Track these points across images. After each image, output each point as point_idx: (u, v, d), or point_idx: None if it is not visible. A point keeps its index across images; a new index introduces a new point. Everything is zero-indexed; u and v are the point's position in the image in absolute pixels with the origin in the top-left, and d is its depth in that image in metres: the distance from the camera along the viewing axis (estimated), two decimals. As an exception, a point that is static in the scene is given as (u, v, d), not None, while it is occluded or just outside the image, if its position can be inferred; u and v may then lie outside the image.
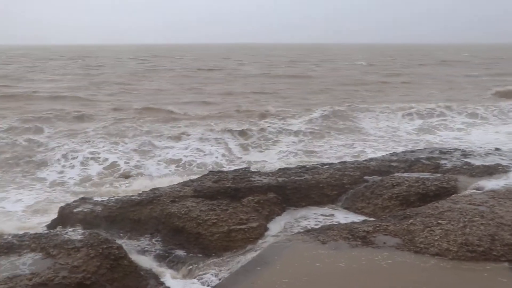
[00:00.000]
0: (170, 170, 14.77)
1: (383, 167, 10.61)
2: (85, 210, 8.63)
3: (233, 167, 13.40)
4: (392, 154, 12.42)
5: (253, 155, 16.93)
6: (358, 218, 8.34)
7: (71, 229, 7.28)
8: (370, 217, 8.32)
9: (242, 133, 18.94)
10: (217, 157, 16.06)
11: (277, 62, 76.15)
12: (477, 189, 8.89)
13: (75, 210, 8.63)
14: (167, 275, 6.73)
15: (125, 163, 15.04)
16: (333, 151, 17.11)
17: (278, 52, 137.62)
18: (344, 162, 11.53)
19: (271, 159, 16.02)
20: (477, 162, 10.81)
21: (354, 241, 6.52)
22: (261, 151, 17.44)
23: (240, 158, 16.42)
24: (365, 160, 11.98)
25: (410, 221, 6.95)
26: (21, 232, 7.15)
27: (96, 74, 50.45)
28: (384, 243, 6.42)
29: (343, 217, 8.54)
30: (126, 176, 14.06)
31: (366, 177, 9.96)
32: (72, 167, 14.51)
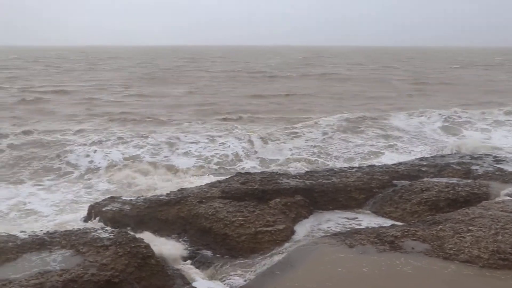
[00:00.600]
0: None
1: (412, 172, 10.49)
2: (114, 208, 8.74)
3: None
4: (421, 159, 12.27)
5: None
6: (386, 222, 8.25)
7: (100, 227, 7.39)
8: (398, 222, 8.23)
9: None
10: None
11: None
12: (510, 195, 8.70)
13: (104, 209, 8.75)
14: (194, 275, 6.76)
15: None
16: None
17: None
18: (373, 166, 11.43)
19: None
20: (510, 168, 10.59)
21: (381, 245, 6.45)
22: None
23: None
24: (394, 164, 11.85)
25: (440, 226, 6.84)
26: (52, 229, 7.28)
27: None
28: (413, 248, 6.33)
29: (370, 221, 8.47)
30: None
31: (394, 182, 9.86)
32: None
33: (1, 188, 12.50)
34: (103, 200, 9.35)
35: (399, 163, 11.75)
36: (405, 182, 9.70)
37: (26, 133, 18.65)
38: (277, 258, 6.80)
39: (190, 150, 16.10)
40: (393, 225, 7.59)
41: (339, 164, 14.37)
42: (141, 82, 43.59)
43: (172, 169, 14.31)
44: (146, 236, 7.37)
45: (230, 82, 44.37)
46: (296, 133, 18.55)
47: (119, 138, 17.20)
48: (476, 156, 11.91)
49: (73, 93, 34.31)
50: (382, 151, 16.47)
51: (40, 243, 6.52)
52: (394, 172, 10.43)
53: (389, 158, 14.97)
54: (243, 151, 16.13)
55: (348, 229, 7.89)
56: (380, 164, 12.47)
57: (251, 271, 6.72)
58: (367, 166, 11.54)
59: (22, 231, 7.07)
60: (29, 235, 6.80)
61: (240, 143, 16.84)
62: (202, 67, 67.22)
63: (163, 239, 7.86)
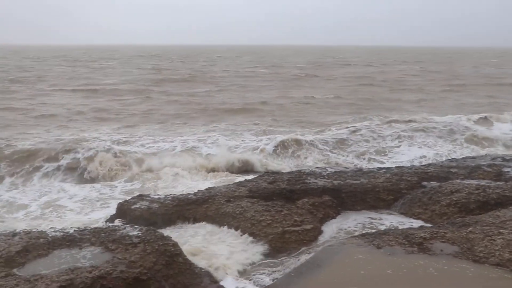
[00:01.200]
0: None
1: (442, 173, 10.33)
2: (142, 207, 8.84)
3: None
4: (451, 160, 12.09)
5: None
6: (414, 224, 8.16)
7: (129, 225, 7.48)
8: (427, 224, 8.12)
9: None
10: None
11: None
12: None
13: (132, 207, 8.86)
14: (221, 274, 6.79)
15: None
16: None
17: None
18: (401, 167, 11.31)
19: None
20: (543, 170, 10.34)
21: (410, 247, 6.37)
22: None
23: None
24: (423, 165, 11.71)
25: (469, 229, 6.72)
26: (82, 226, 7.41)
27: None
28: (441, 250, 6.24)
29: (399, 222, 8.38)
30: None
31: (423, 183, 9.73)
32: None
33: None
34: (131, 198, 9.47)
35: (428, 164, 11.61)
36: (434, 184, 9.56)
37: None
38: (304, 258, 6.78)
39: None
40: (421, 227, 7.49)
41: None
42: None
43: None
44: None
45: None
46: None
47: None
48: (508, 158, 11.66)
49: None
50: None
51: (71, 240, 6.63)
52: (423, 173, 10.29)
53: None
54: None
55: (376, 230, 7.82)
56: (410, 165, 12.34)
57: (278, 271, 6.73)
58: (395, 167, 11.42)
59: (52, 228, 7.21)
60: (59, 232, 6.92)
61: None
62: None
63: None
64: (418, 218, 8.56)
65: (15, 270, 5.79)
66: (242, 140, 18.17)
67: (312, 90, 37.64)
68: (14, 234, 6.72)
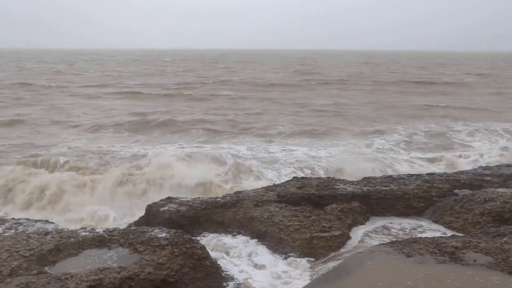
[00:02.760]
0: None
1: (475, 181, 10.12)
2: (171, 209, 8.89)
3: None
4: (485, 168, 11.82)
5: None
6: (445, 232, 8.01)
7: (157, 227, 7.54)
8: (459, 233, 7.95)
9: None
10: None
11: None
12: None
13: (161, 209, 8.92)
14: (248, 278, 6.77)
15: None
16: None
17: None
18: (432, 174, 11.12)
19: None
20: None
21: (441, 256, 6.23)
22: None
23: None
24: (455, 172, 11.48)
25: (504, 239, 6.54)
26: (111, 227, 7.49)
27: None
28: (475, 260, 6.08)
29: (429, 230, 8.23)
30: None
31: (455, 191, 9.54)
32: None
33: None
34: (160, 200, 9.53)
35: (461, 172, 11.38)
36: (466, 192, 9.37)
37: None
38: (332, 264, 6.72)
39: None
40: (453, 236, 7.33)
41: None
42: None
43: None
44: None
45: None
46: None
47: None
48: (545, 166, 11.36)
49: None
50: None
51: (100, 240, 6.72)
52: (455, 181, 10.10)
53: None
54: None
55: (406, 237, 7.70)
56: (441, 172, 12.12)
57: (306, 277, 6.67)
58: (426, 174, 11.23)
59: (83, 228, 7.32)
60: (89, 232, 7.02)
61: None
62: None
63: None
64: (449, 227, 8.39)
65: (46, 268, 5.89)
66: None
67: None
68: (46, 233, 6.85)
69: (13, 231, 7.10)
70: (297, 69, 74.18)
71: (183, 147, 18.21)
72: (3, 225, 7.42)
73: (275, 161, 16.10)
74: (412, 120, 25.68)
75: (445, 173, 11.63)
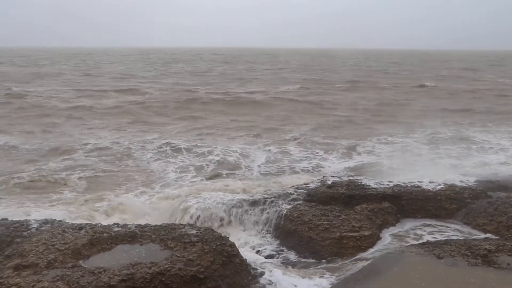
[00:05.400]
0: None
1: (510, 183, 9.92)
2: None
3: None
4: (520, 170, 11.56)
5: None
6: (478, 235, 7.88)
7: (187, 224, 7.63)
8: (493, 235, 7.81)
9: None
10: None
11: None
12: None
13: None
14: (277, 276, 6.79)
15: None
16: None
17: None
18: (465, 175, 10.92)
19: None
20: None
21: (473, 259, 6.15)
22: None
23: None
24: (489, 174, 11.27)
25: (541, 243, 6.41)
26: (143, 223, 7.61)
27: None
28: (508, 264, 5.98)
29: (461, 232, 8.12)
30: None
31: (489, 193, 9.37)
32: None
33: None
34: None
35: (495, 174, 11.16)
36: (501, 194, 9.19)
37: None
38: (361, 264, 6.69)
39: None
40: (486, 238, 7.23)
41: None
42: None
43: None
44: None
45: None
46: None
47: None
48: None
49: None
50: None
51: (132, 236, 6.84)
52: (490, 183, 9.91)
53: None
54: None
55: (437, 239, 7.61)
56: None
57: (335, 276, 6.65)
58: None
59: (115, 224, 7.45)
60: (122, 227, 7.15)
61: None
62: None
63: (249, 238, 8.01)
64: (482, 229, 8.25)
65: (80, 262, 6.03)
66: None
67: None
68: (81, 228, 7.01)
69: (49, 225, 7.28)
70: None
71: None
72: (40, 219, 7.61)
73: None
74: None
75: (479, 174, 11.42)
